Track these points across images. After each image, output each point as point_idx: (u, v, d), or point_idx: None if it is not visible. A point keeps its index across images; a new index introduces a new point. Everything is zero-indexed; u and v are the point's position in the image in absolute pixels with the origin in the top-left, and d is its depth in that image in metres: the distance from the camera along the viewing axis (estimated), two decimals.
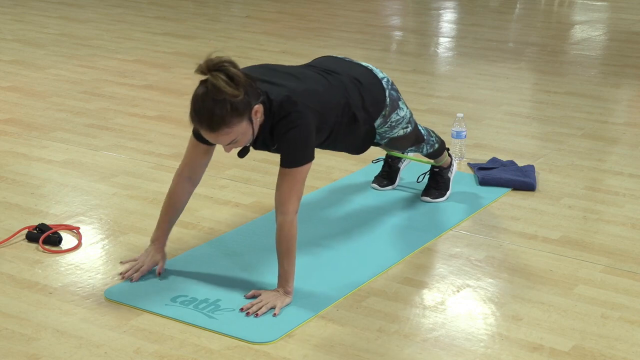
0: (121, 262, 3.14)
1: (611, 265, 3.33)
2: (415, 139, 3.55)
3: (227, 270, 3.19)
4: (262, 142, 3.00)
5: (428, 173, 3.90)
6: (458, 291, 3.12)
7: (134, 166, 4.23)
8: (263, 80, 2.91)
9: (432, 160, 3.84)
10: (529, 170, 4.13)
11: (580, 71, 6.28)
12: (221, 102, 2.72)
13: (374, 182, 3.99)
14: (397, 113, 3.33)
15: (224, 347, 2.73)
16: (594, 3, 9.22)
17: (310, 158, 2.93)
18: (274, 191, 2.96)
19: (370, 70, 3.29)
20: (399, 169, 3.98)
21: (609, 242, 3.52)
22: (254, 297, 2.98)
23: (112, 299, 2.99)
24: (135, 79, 5.76)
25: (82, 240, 3.43)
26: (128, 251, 3.35)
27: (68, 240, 3.43)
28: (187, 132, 3.12)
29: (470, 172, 4.21)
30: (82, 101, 5.26)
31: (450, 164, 3.88)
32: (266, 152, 3.11)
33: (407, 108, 3.42)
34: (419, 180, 3.95)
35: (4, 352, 2.69)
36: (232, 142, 2.82)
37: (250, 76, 2.81)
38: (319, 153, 3.18)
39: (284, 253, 2.93)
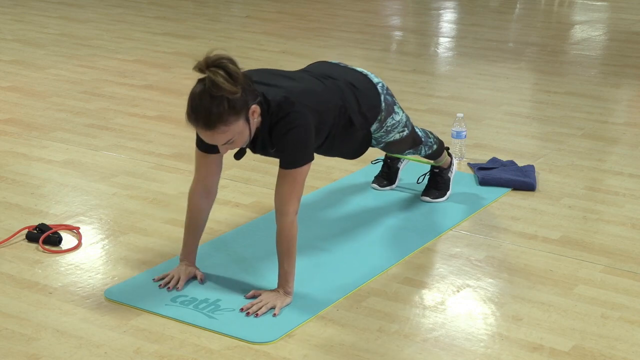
0: (154, 279, 3.11)
1: (611, 265, 3.33)
2: (412, 142, 3.54)
3: (227, 270, 3.19)
4: (261, 145, 2.99)
5: (428, 174, 3.90)
6: (458, 291, 3.12)
7: (134, 166, 4.23)
8: (259, 82, 2.90)
9: (431, 161, 3.83)
10: (529, 170, 4.13)
11: (580, 71, 6.28)
12: (219, 99, 2.71)
13: (373, 182, 3.99)
14: (392, 117, 3.32)
15: (224, 347, 2.73)
16: (594, 3, 9.22)
17: (310, 158, 2.93)
18: (274, 191, 2.96)
19: (365, 76, 3.29)
20: (398, 169, 3.98)
21: (609, 242, 3.52)
22: (254, 297, 2.98)
23: (112, 299, 2.99)
24: (135, 79, 5.76)
25: (82, 240, 3.43)
26: (128, 251, 3.35)
27: (68, 240, 3.43)
28: (187, 132, 3.12)
29: (470, 172, 4.21)
30: (82, 101, 5.27)
31: (450, 164, 3.88)
32: None
33: (403, 112, 3.42)
34: (419, 181, 3.95)
35: (4, 352, 2.69)
36: (229, 141, 2.81)
37: (247, 76, 2.81)
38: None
39: (284, 253, 2.93)
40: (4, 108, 5.11)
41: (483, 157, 4.38)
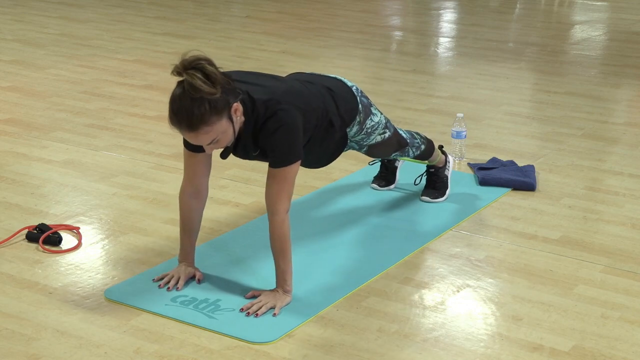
0: (154, 280, 3.12)
1: (611, 265, 3.33)
2: (397, 144, 3.54)
3: (227, 270, 3.19)
4: (242, 147, 2.98)
5: (424, 174, 3.90)
6: (458, 291, 3.12)
7: (134, 166, 4.23)
8: (242, 81, 2.90)
9: (425, 161, 3.83)
10: (529, 170, 4.13)
11: (580, 71, 6.28)
12: (199, 101, 2.71)
13: (373, 182, 3.99)
14: (371, 119, 3.32)
15: (224, 347, 2.73)
16: (594, 3, 9.22)
17: (299, 156, 2.92)
18: (264, 191, 2.96)
19: (340, 80, 3.29)
20: (396, 168, 3.98)
21: (609, 242, 3.52)
22: (253, 297, 2.98)
23: (112, 299, 2.99)
24: (135, 79, 5.76)
25: (82, 240, 3.43)
26: (128, 251, 3.35)
27: (68, 240, 3.43)
28: None
29: (470, 172, 4.21)
30: (82, 101, 5.27)
31: (446, 162, 3.88)
32: None
33: (381, 114, 3.42)
34: (416, 182, 3.95)
35: (4, 352, 2.69)
36: (213, 141, 2.80)
37: (227, 75, 2.80)
38: None
39: (279, 253, 2.94)
40: (4, 108, 5.11)
41: (483, 157, 4.38)
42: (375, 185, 3.97)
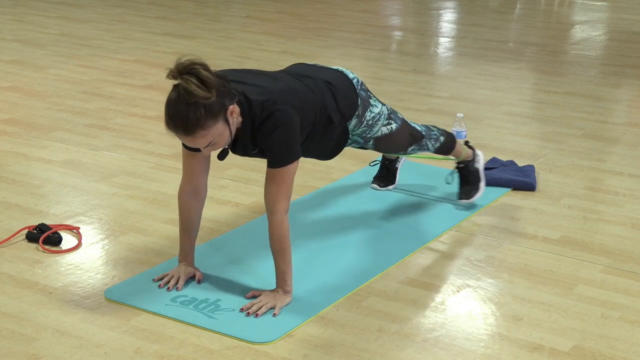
0: (154, 280, 3.11)
1: (611, 265, 3.33)
2: (410, 137, 3.50)
3: (227, 270, 3.19)
4: (241, 146, 2.98)
5: (455, 172, 3.84)
6: (458, 291, 3.12)
7: (134, 166, 4.23)
8: (237, 81, 2.89)
9: (449, 156, 3.78)
10: (529, 170, 4.13)
11: (580, 71, 6.28)
12: (194, 105, 2.71)
13: (373, 182, 3.98)
14: (370, 110, 3.28)
15: (224, 347, 2.73)
16: (594, 3, 9.22)
17: (297, 156, 2.92)
18: (263, 191, 2.96)
19: (341, 73, 3.26)
20: (396, 169, 3.97)
21: (609, 242, 3.52)
22: (254, 297, 2.98)
23: (112, 299, 2.99)
24: (135, 79, 5.76)
25: (82, 240, 3.43)
26: (128, 251, 3.35)
27: (68, 240, 3.43)
28: None
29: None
30: (82, 101, 5.27)
31: (474, 154, 3.81)
32: None
33: (383, 105, 3.36)
34: (448, 181, 3.86)
35: (4, 352, 2.69)
36: (210, 144, 2.80)
37: (222, 77, 2.79)
38: None
39: (278, 253, 2.94)
40: (4, 108, 5.11)
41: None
42: (375, 186, 3.97)
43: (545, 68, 6.36)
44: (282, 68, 3.32)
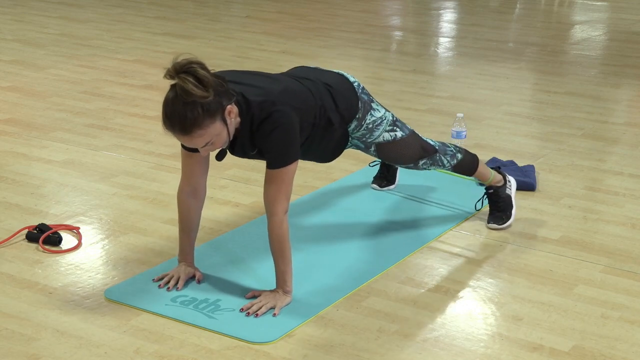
0: (154, 280, 3.11)
1: (611, 265, 3.33)
2: (421, 150, 3.38)
3: (227, 271, 3.19)
4: (240, 147, 2.97)
5: (485, 198, 3.71)
6: (458, 291, 3.12)
7: (134, 166, 4.23)
8: (236, 82, 2.89)
9: (471, 177, 3.70)
10: (529, 170, 4.13)
11: (580, 71, 6.28)
12: (191, 105, 2.70)
13: (373, 182, 3.98)
14: (371, 114, 3.24)
15: (224, 347, 2.73)
16: (594, 3, 9.22)
17: (296, 157, 2.92)
18: (262, 192, 2.96)
19: (342, 76, 3.24)
20: (396, 169, 3.97)
21: (609, 242, 3.52)
22: (254, 297, 2.98)
23: (112, 299, 2.99)
24: (135, 79, 5.76)
25: (82, 240, 3.43)
26: (128, 251, 3.35)
27: (68, 240, 3.43)
28: None
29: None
30: (82, 101, 5.27)
31: (505, 181, 3.66)
32: None
33: (387, 111, 3.32)
34: (477, 208, 3.74)
35: (4, 352, 2.69)
36: (208, 144, 2.80)
37: (220, 77, 2.79)
38: None
39: (278, 253, 2.93)
40: (4, 108, 5.11)
41: (483, 157, 4.37)
42: (375, 186, 3.97)
43: (545, 68, 6.36)
44: (282, 68, 3.32)
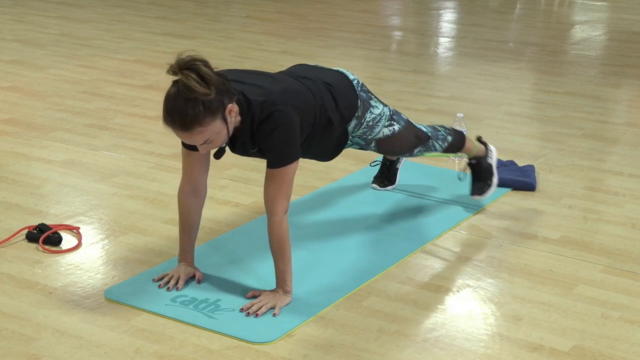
0: (154, 280, 3.11)
1: (611, 265, 3.33)
2: (415, 138, 3.46)
3: (227, 271, 3.19)
4: (240, 145, 2.98)
5: (467, 168, 3.79)
6: (458, 291, 3.12)
7: (134, 166, 4.23)
8: (237, 81, 2.89)
9: (459, 154, 3.76)
10: (529, 170, 4.13)
11: (580, 71, 6.28)
12: (193, 101, 2.70)
13: (374, 182, 3.98)
14: (370, 112, 3.26)
15: (224, 347, 2.73)
16: (594, 3, 9.22)
17: (296, 156, 2.92)
18: (262, 191, 2.96)
19: (342, 74, 3.25)
20: (397, 169, 3.97)
21: (609, 242, 3.52)
22: (254, 297, 2.98)
23: (112, 299, 2.99)
24: (135, 79, 5.76)
25: (82, 240, 3.43)
26: (128, 251, 3.35)
27: (68, 240, 3.43)
28: None
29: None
30: (82, 101, 5.27)
31: (487, 150, 3.77)
32: None
33: (384, 106, 3.34)
34: (460, 178, 3.85)
35: (4, 352, 2.69)
36: (207, 141, 2.80)
37: (222, 75, 2.80)
38: None
39: (278, 253, 2.93)
40: (4, 108, 5.11)
41: None
42: (375, 186, 3.97)
43: (545, 68, 6.36)
44: (282, 68, 3.32)
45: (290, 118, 2.89)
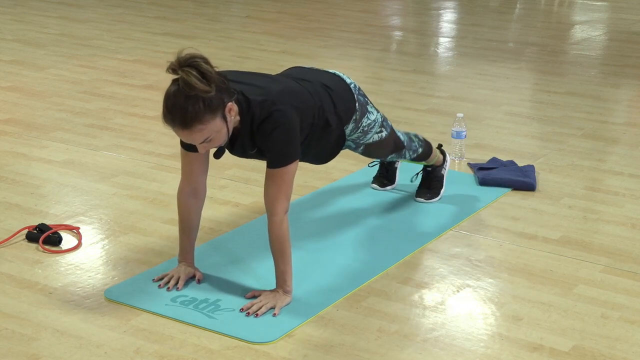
0: (154, 280, 3.11)
1: (611, 265, 3.33)
2: (394, 145, 3.51)
3: (227, 271, 3.19)
4: (240, 146, 2.98)
5: (421, 173, 3.89)
6: (458, 291, 3.12)
7: (134, 166, 4.23)
8: (236, 81, 2.89)
9: (422, 162, 3.83)
10: (529, 170, 4.13)
11: (580, 71, 6.28)
12: (193, 99, 2.70)
13: (373, 182, 3.98)
14: (367, 117, 3.29)
15: (224, 347, 2.73)
16: (594, 3, 9.22)
17: (296, 156, 2.92)
18: (263, 191, 2.96)
19: (339, 77, 3.26)
20: (396, 168, 3.97)
21: (609, 242, 3.52)
22: (254, 297, 2.98)
23: (112, 299, 2.99)
24: (135, 79, 5.76)
25: (82, 240, 3.43)
26: (128, 251, 3.35)
27: (68, 240, 3.43)
28: None
29: (470, 172, 4.21)
30: (82, 101, 5.27)
31: (444, 161, 3.86)
32: None
33: (378, 112, 3.38)
34: (412, 180, 3.93)
35: (4, 352, 2.69)
36: (206, 140, 2.79)
37: (222, 74, 2.80)
38: None
39: (278, 253, 2.93)
40: (4, 108, 5.11)
41: (483, 157, 4.38)
42: (375, 186, 3.97)
43: (545, 68, 6.36)
44: (282, 68, 3.32)
45: (290, 118, 2.89)
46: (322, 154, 3.27)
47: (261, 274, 3.16)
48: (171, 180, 4.02)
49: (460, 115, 4.42)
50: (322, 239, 3.48)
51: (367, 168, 4.16)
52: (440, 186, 3.85)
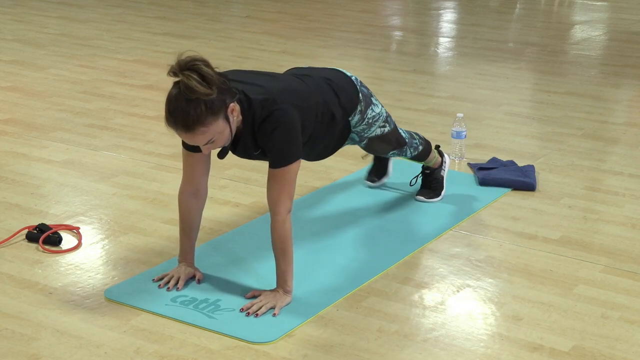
0: (154, 280, 3.11)
1: (611, 265, 3.33)
2: (396, 142, 3.52)
3: (227, 271, 3.19)
4: (242, 146, 2.98)
5: (420, 175, 3.89)
6: (458, 291, 3.12)
7: (134, 166, 4.23)
8: (237, 81, 2.89)
9: (420, 162, 3.82)
10: (529, 170, 4.13)
11: (580, 71, 6.28)
12: (195, 102, 2.70)
13: (368, 177, 3.99)
14: (372, 109, 3.31)
15: (224, 347, 2.73)
16: (594, 3, 9.22)
17: (299, 155, 2.92)
18: (266, 191, 2.96)
19: (339, 71, 3.30)
20: (388, 160, 3.97)
21: (609, 242, 3.52)
22: (254, 297, 2.98)
23: (112, 299, 2.99)
24: (135, 79, 5.76)
25: (82, 240, 3.43)
26: (128, 251, 3.35)
27: (68, 240, 3.43)
28: None
29: (470, 172, 4.21)
30: (82, 101, 5.27)
31: (442, 163, 3.87)
32: None
33: (382, 107, 3.40)
34: (412, 184, 3.93)
35: (4, 352, 2.69)
36: (210, 141, 2.80)
37: (223, 75, 2.80)
38: None
39: (279, 253, 2.93)
40: (4, 108, 5.11)
41: (483, 157, 4.38)
42: (369, 182, 3.97)
43: (545, 68, 6.35)
44: (283, 68, 3.33)
45: (291, 117, 2.89)
46: (328, 148, 3.29)
47: (261, 274, 3.16)
48: (171, 180, 4.02)
49: (460, 115, 4.42)
50: (321, 238, 3.48)
51: (367, 168, 4.15)
52: (441, 187, 3.85)
